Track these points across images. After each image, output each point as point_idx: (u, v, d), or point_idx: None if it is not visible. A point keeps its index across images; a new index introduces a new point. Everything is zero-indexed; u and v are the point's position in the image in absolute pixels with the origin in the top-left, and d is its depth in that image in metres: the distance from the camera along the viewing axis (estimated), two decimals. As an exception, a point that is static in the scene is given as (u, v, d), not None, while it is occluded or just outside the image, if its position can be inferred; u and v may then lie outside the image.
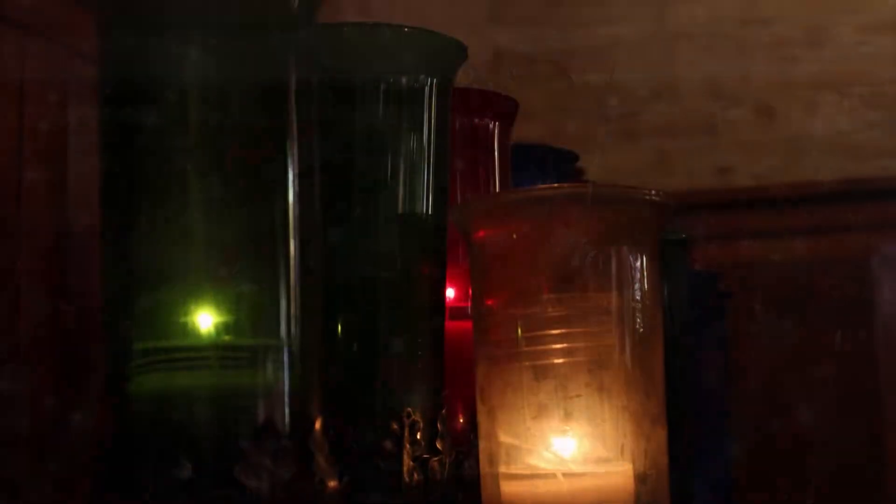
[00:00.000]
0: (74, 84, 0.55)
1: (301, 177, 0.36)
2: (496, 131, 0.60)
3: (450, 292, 0.54)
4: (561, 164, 0.72)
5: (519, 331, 0.44)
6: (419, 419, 0.46)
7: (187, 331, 0.34)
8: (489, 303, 0.46)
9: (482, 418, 0.46)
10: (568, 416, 0.43)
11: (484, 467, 0.45)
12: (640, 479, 0.43)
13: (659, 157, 1.71)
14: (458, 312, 0.53)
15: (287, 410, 0.34)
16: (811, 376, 1.52)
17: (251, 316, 0.35)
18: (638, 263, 0.45)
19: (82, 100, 0.55)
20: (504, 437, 0.44)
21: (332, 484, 0.35)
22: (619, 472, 0.43)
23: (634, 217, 0.46)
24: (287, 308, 0.35)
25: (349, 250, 0.47)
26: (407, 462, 0.45)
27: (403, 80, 0.48)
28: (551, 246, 0.44)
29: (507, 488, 0.44)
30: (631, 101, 1.73)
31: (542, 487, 0.43)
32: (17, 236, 0.52)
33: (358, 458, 0.44)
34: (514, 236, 0.46)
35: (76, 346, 0.55)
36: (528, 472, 0.44)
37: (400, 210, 0.48)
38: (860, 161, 1.62)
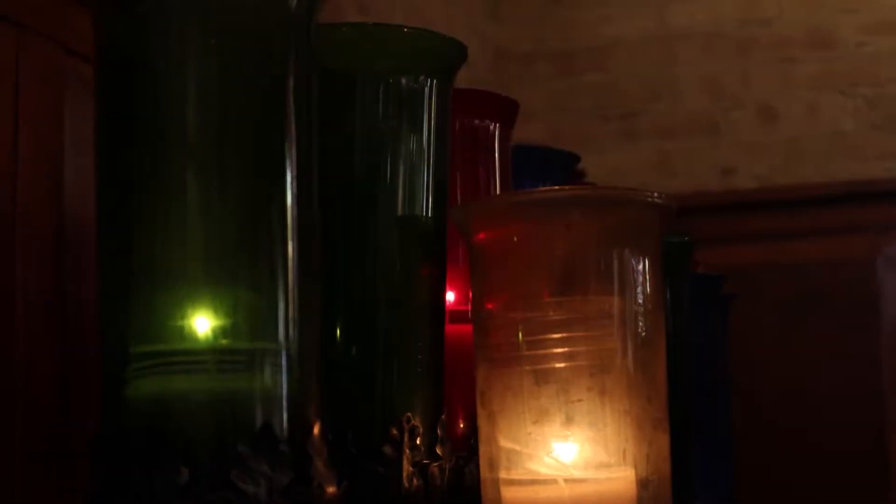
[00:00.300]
0: (71, 82, 0.55)
1: (300, 179, 0.35)
2: (497, 132, 0.60)
3: (450, 295, 0.53)
4: (562, 165, 0.72)
5: (520, 334, 0.44)
6: (419, 424, 0.46)
7: (184, 334, 0.34)
8: (489, 306, 0.45)
9: (482, 423, 0.45)
10: (569, 420, 0.43)
11: (484, 473, 0.45)
12: (642, 484, 0.43)
13: (660, 159, 1.71)
14: (458, 316, 0.53)
15: (285, 415, 0.34)
16: (815, 378, 1.51)
17: (249, 319, 0.34)
18: (640, 266, 0.44)
19: (79, 98, 0.55)
20: (504, 442, 0.44)
21: (331, 489, 0.35)
22: (621, 478, 0.43)
23: (636, 220, 0.45)
24: (285, 311, 0.35)
25: (348, 252, 0.47)
26: (406, 467, 0.45)
27: (403, 80, 0.48)
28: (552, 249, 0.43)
29: (508, 494, 0.44)
30: (631, 101, 1.72)
31: (543, 493, 0.43)
32: (13, 235, 0.52)
33: (357, 464, 0.44)
34: (515, 239, 0.45)
35: (74, 347, 0.55)
36: (528, 477, 0.43)
37: (399, 212, 0.47)
38: (864, 162, 1.61)
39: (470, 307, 0.49)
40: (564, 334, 0.43)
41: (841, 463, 1.46)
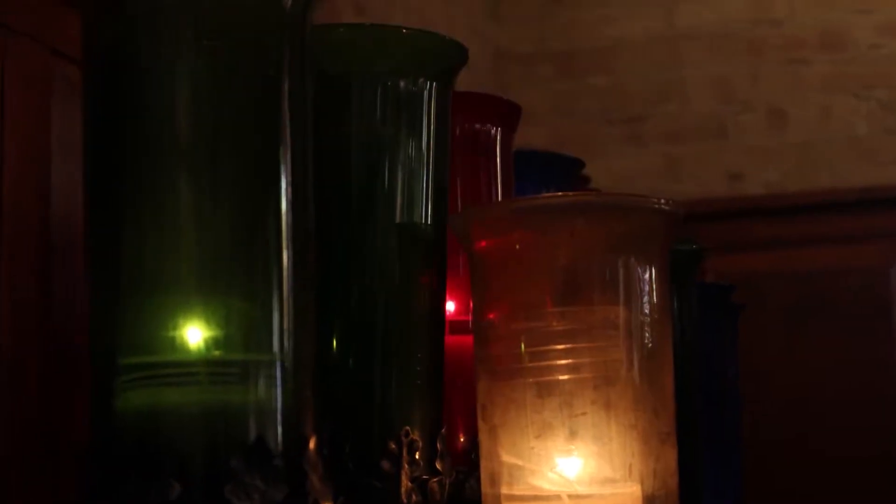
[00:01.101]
0: (58, 84, 0.55)
1: (295, 184, 0.35)
2: (498, 136, 0.59)
3: (450, 305, 0.53)
4: (565, 170, 0.71)
5: (522, 346, 0.43)
6: (418, 438, 0.45)
7: (176, 345, 0.34)
8: (491, 316, 0.45)
9: (483, 437, 0.45)
10: (573, 434, 0.42)
11: (486, 488, 0.44)
12: (648, 500, 0.42)
13: (667, 164, 1.70)
14: (458, 326, 0.52)
15: (279, 428, 0.34)
16: (822, 386, 1.50)
17: (242, 330, 0.34)
18: (646, 275, 0.44)
19: (66, 100, 0.54)
20: (506, 457, 0.43)
21: (327, 506, 0.34)
22: (627, 494, 0.42)
23: (642, 227, 0.45)
24: (280, 322, 0.34)
25: (345, 261, 0.46)
26: (405, 483, 0.44)
27: (402, 82, 0.47)
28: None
29: (510, 510, 0.43)
30: (637, 104, 1.71)
31: (546, 509, 0.42)
32: (0, 236, 0.51)
33: (354, 479, 0.43)
34: (517, 247, 0.44)
35: (61, 347, 0.54)
36: (531, 493, 0.43)
37: (398, 219, 0.47)
38: (878, 167, 1.60)
39: (470, 317, 0.48)
40: (568, 345, 0.42)
41: (849, 470, 1.45)
